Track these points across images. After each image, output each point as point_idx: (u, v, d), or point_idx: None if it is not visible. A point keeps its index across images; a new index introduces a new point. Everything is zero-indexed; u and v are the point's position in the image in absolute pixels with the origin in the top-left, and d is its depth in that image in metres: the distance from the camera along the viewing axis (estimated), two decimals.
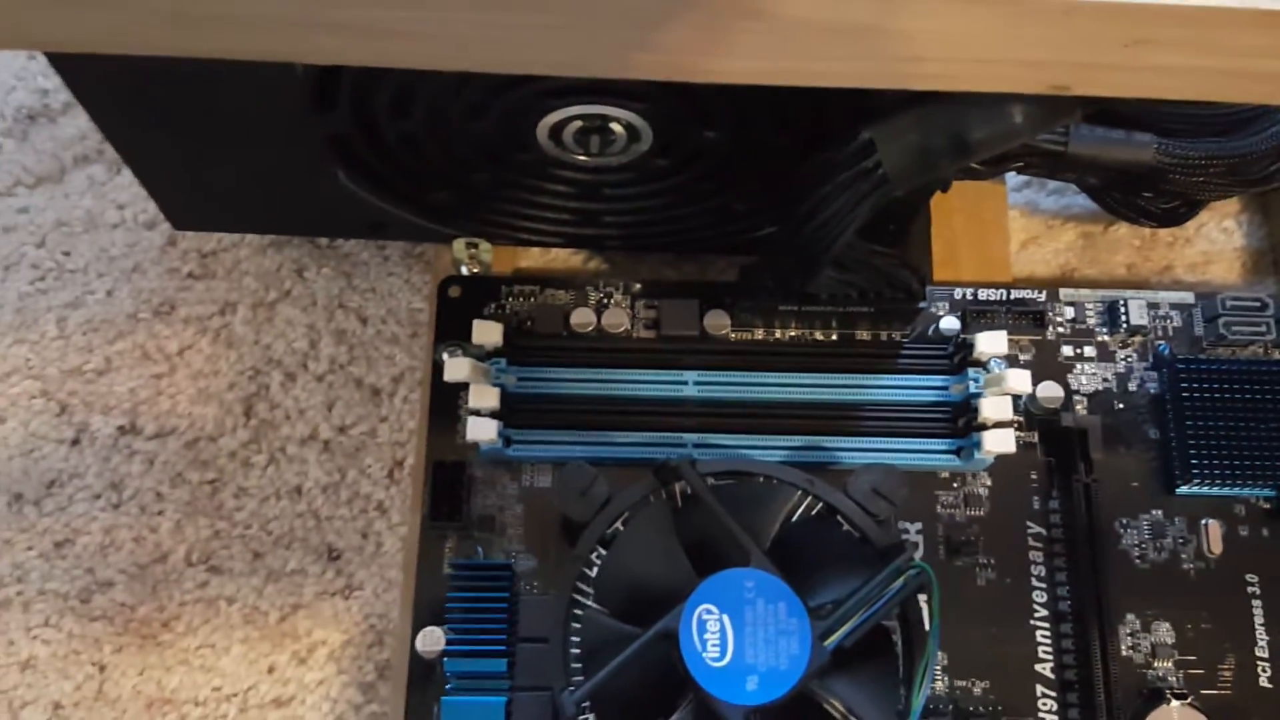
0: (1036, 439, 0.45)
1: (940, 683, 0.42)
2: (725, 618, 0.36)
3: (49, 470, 0.48)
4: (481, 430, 0.41)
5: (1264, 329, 0.46)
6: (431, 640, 0.41)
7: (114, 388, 0.49)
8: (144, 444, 0.48)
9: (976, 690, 0.42)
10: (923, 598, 0.39)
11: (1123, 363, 0.46)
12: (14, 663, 0.45)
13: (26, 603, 0.46)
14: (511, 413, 0.43)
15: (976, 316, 0.46)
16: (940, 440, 0.44)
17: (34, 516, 0.47)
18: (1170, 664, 0.42)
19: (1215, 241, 0.53)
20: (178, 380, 0.49)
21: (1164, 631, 0.43)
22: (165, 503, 0.48)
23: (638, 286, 0.47)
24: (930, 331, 0.45)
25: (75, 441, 0.48)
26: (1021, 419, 0.45)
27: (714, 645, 0.36)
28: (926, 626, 0.39)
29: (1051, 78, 0.30)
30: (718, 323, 0.46)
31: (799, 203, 0.38)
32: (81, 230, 0.52)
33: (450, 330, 0.45)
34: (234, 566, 0.47)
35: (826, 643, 0.36)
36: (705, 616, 0.36)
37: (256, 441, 0.49)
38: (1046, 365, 0.46)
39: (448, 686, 0.40)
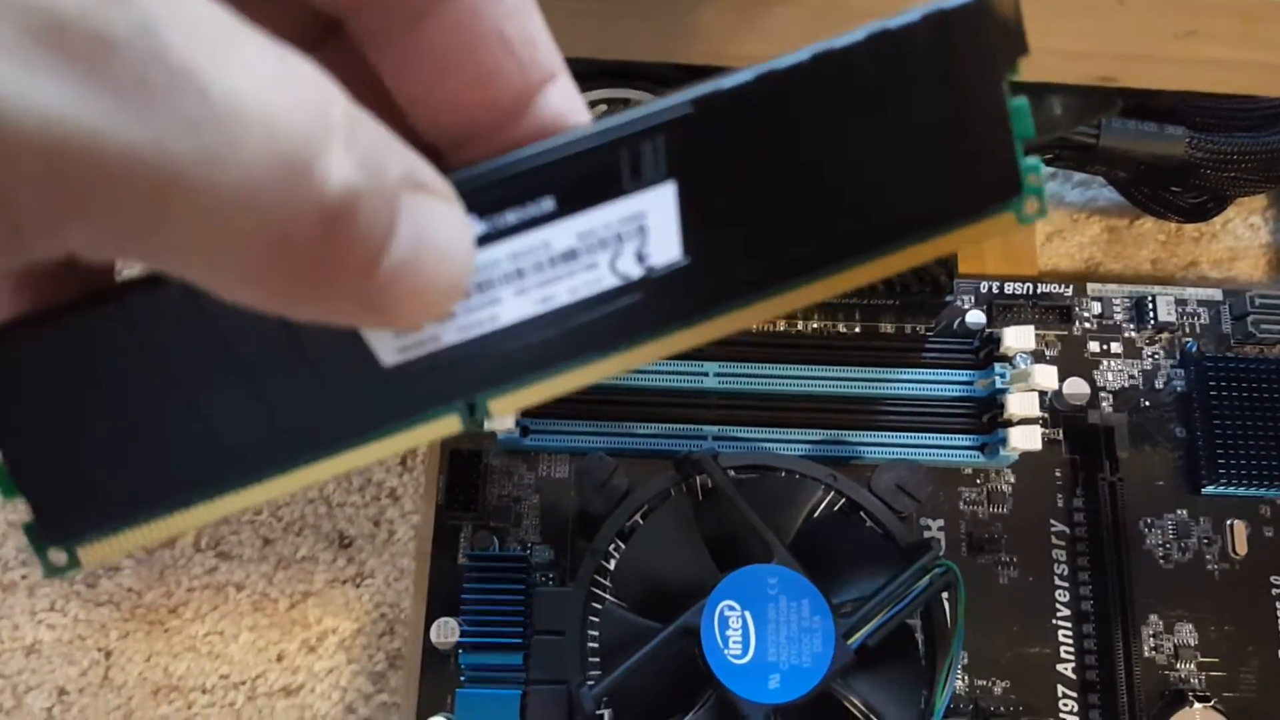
0: (1061, 436, 0.44)
1: (961, 682, 0.41)
2: (748, 614, 0.36)
3: None
4: (499, 419, 0.41)
5: None
6: (446, 631, 0.40)
7: None
8: None
9: (997, 690, 0.41)
10: (942, 595, 0.38)
11: (1150, 360, 0.46)
12: (19, 647, 0.45)
13: (32, 587, 0.45)
14: None
15: (1002, 310, 0.45)
16: (964, 436, 0.43)
17: None
18: (1193, 666, 0.42)
19: (1241, 238, 0.52)
20: None
21: (1187, 633, 0.42)
22: None
23: None
24: (955, 325, 0.45)
25: None
26: (1046, 415, 0.44)
27: (736, 642, 0.35)
28: (948, 625, 0.38)
29: (1100, 69, 0.29)
30: None
31: None
32: None
33: None
34: (243, 553, 0.46)
35: (850, 641, 0.36)
36: (728, 613, 0.35)
37: None
38: (1072, 361, 0.45)
39: (462, 679, 0.39)
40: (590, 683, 0.36)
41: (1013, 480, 0.44)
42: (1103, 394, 0.45)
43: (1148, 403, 0.45)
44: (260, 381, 0.16)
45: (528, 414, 0.42)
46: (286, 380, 0.16)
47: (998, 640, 0.42)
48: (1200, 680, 0.42)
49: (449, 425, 0.17)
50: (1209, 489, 0.43)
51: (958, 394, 0.43)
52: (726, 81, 0.15)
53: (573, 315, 0.16)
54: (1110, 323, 0.46)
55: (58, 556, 0.17)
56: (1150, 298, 0.46)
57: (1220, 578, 0.43)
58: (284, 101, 0.12)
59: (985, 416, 0.43)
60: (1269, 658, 0.42)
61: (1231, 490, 0.43)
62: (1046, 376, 0.41)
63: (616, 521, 0.39)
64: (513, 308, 0.16)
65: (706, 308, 0.17)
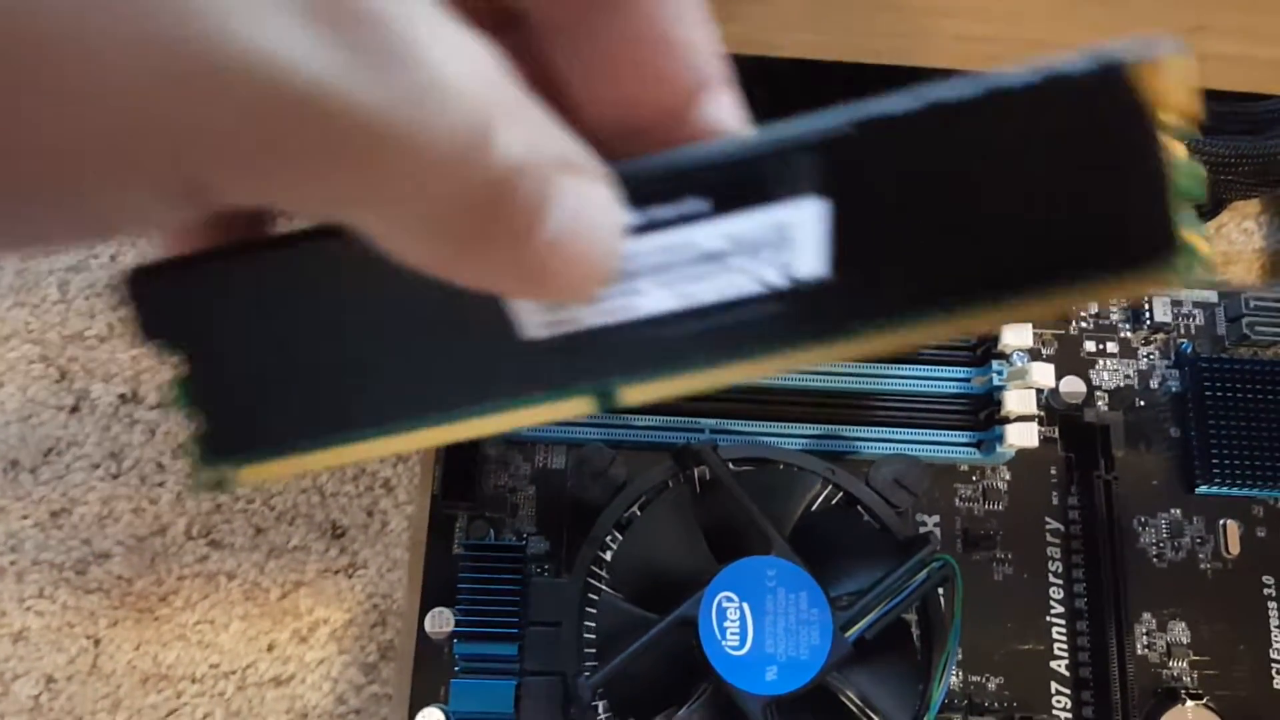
0: (1057, 434, 0.44)
1: (955, 677, 0.41)
2: (745, 606, 0.35)
3: (47, 438, 0.47)
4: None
5: None
6: (441, 621, 0.40)
7: (116, 355, 0.48)
8: (145, 413, 0.47)
9: (991, 686, 0.41)
10: (938, 590, 0.39)
11: (1145, 360, 0.46)
12: (6, 634, 0.44)
13: (20, 573, 0.45)
14: None
15: None
16: (961, 433, 0.43)
17: (30, 485, 0.46)
18: (1185, 664, 0.42)
19: (1235, 242, 0.52)
20: None
21: (1180, 631, 0.42)
22: (166, 474, 0.46)
23: None
24: None
25: (75, 409, 0.47)
26: (1043, 413, 0.44)
27: (733, 634, 0.35)
28: (944, 619, 0.38)
29: None
30: None
31: None
32: None
33: None
34: (235, 541, 0.46)
35: (848, 634, 0.36)
36: (725, 604, 0.35)
37: None
38: (1069, 360, 0.45)
39: (456, 669, 0.39)
40: (586, 674, 0.36)
41: (1008, 477, 0.44)
42: (1098, 393, 0.45)
43: (1143, 402, 0.45)
44: (414, 338, 0.17)
45: None
46: (438, 341, 0.17)
47: (992, 636, 0.42)
48: (1193, 678, 0.42)
49: (580, 406, 0.18)
50: (1203, 489, 0.44)
51: (954, 390, 0.44)
52: (891, 106, 0.15)
53: (712, 315, 0.16)
54: (1106, 323, 0.46)
55: (217, 474, 0.18)
56: (1146, 298, 0.46)
57: (1213, 577, 0.43)
58: (473, 77, 0.13)
59: (982, 413, 0.43)
60: (1261, 656, 0.42)
61: (1225, 490, 0.44)
62: (1043, 374, 0.41)
63: (614, 512, 0.39)
64: (654, 300, 0.16)
65: (844, 326, 0.16)
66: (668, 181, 0.16)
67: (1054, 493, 0.44)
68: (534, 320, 0.17)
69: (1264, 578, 0.43)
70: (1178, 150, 0.15)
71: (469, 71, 0.13)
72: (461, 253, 0.14)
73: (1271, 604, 0.43)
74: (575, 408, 0.18)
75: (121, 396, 0.47)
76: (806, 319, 0.16)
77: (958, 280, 0.16)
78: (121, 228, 0.14)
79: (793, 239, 0.16)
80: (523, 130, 0.14)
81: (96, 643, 0.44)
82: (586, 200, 0.15)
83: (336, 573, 0.46)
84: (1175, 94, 0.15)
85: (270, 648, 0.45)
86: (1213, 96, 0.43)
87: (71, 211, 0.13)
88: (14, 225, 0.13)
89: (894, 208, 0.16)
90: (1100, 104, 0.15)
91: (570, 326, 0.17)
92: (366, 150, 0.12)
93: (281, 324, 0.17)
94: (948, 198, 0.16)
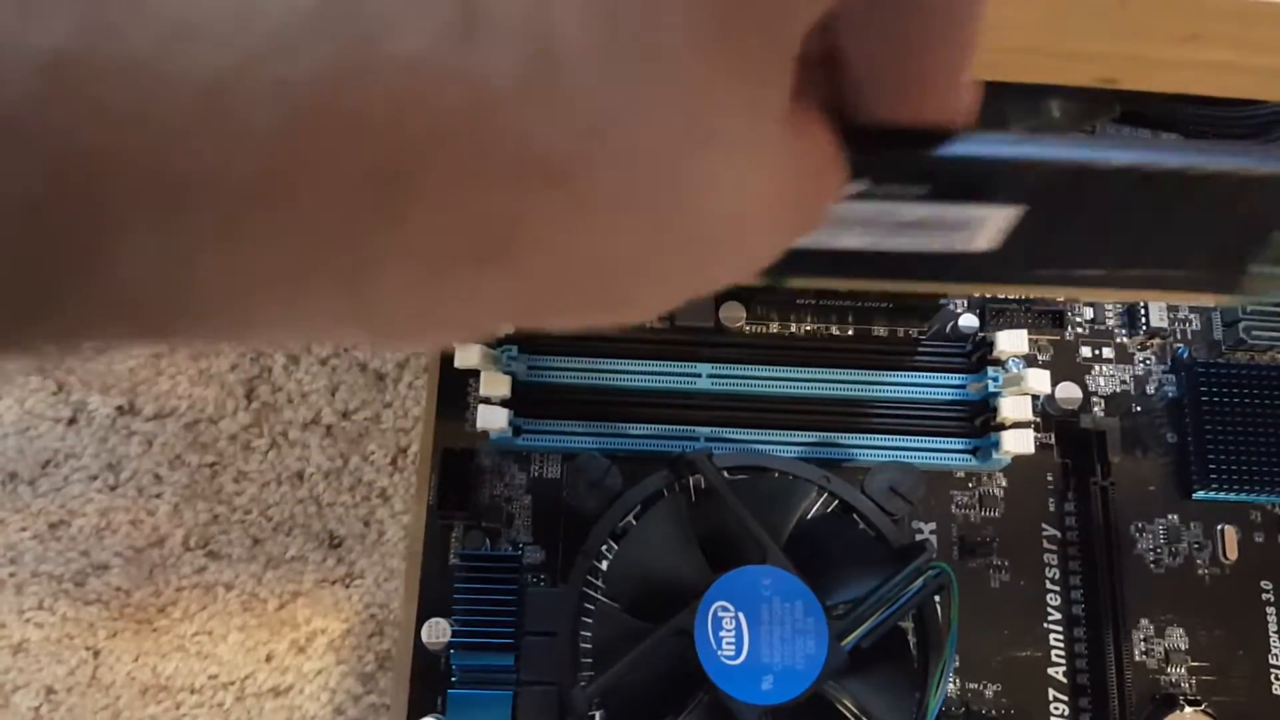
0: (1053, 440, 0.44)
1: (952, 685, 0.41)
2: (741, 615, 0.35)
3: (45, 450, 0.47)
4: (492, 418, 0.40)
5: None
6: (437, 632, 0.40)
7: (113, 366, 0.48)
8: (143, 425, 0.47)
9: (988, 693, 0.41)
10: (935, 598, 0.38)
11: (1141, 365, 0.46)
12: (6, 646, 0.44)
13: (19, 585, 0.45)
14: (521, 401, 0.42)
15: (995, 314, 0.45)
16: (957, 439, 0.43)
17: (28, 497, 0.46)
18: (1184, 670, 0.42)
19: None
20: (178, 360, 0.48)
21: (1178, 637, 0.42)
22: (163, 485, 0.47)
23: None
24: (948, 329, 0.45)
25: (72, 421, 0.47)
26: (1039, 420, 0.44)
27: (729, 643, 0.35)
28: (941, 627, 0.38)
29: (1100, 71, 0.29)
30: (733, 315, 0.45)
31: None
32: None
33: None
34: (233, 552, 0.46)
35: (844, 643, 0.36)
36: (721, 613, 0.35)
37: (258, 425, 0.48)
38: (1065, 366, 0.45)
39: (453, 679, 0.39)
40: (582, 684, 0.36)
41: (1005, 484, 0.44)
42: (1094, 399, 0.45)
43: (1139, 408, 0.45)
44: None
45: (520, 414, 0.42)
46: None
47: (989, 644, 0.42)
48: (1191, 684, 0.42)
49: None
50: (1200, 494, 0.44)
51: (950, 397, 0.44)
52: (1113, 157, 0.17)
53: (886, 254, 0.19)
54: (1102, 328, 0.46)
55: None
56: (1142, 303, 0.46)
57: (1211, 582, 0.43)
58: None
59: (978, 420, 0.43)
60: (1259, 662, 0.42)
61: (1222, 495, 0.43)
62: (1039, 380, 0.41)
63: (610, 521, 0.39)
64: (851, 239, 0.19)
65: (982, 276, 0.20)
66: (904, 168, 0.18)
67: (1050, 499, 0.44)
68: None
69: (1262, 583, 0.43)
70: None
71: None
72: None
73: (1270, 609, 0.43)
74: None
75: (119, 408, 0.47)
76: (962, 266, 0.19)
77: (1090, 273, 0.19)
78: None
79: (983, 229, 0.18)
80: None
81: (96, 654, 0.45)
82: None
83: (334, 583, 0.46)
84: None
85: (268, 658, 0.45)
86: (1208, 102, 0.43)
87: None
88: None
89: (1070, 221, 0.18)
90: (1260, 194, 0.18)
91: None
92: None
93: None
94: (1112, 222, 0.18)
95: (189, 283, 0.11)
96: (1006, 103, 0.34)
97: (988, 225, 0.18)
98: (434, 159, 0.11)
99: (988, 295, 0.46)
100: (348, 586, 0.46)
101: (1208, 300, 0.21)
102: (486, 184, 0.12)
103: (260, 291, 0.12)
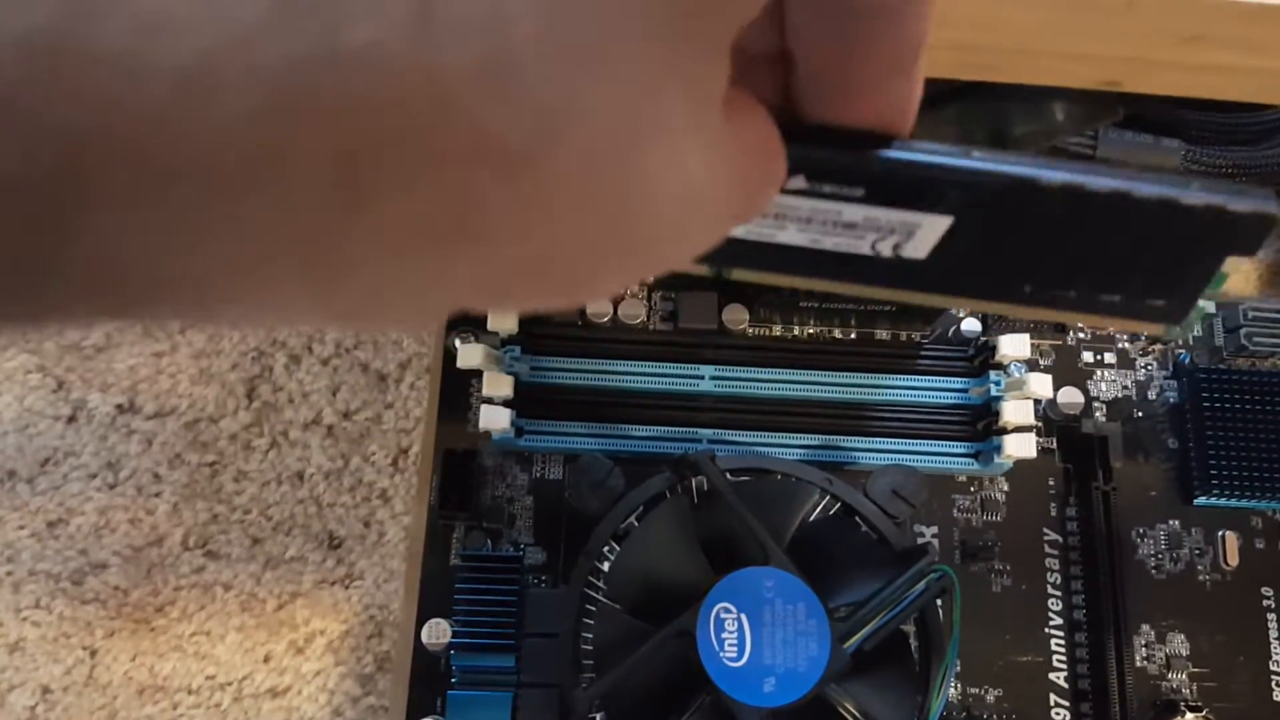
0: (1055, 445, 0.44)
1: (953, 689, 0.41)
2: (743, 617, 0.35)
3: (44, 448, 0.47)
4: (494, 419, 0.40)
5: None
6: (438, 632, 0.40)
7: (113, 364, 0.48)
8: (142, 423, 0.47)
9: (989, 698, 0.41)
10: (936, 602, 0.38)
11: (1143, 371, 0.46)
12: (2, 645, 0.44)
13: (17, 583, 0.45)
14: (523, 402, 0.42)
15: (997, 319, 0.45)
16: (959, 443, 0.43)
17: (27, 495, 0.46)
18: (1185, 676, 0.42)
19: None
20: (179, 359, 0.48)
21: (1179, 643, 0.42)
22: (163, 484, 0.46)
23: (655, 278, 0.46)
24: (950, 333, 0.45)
25: (72, 419, 0.47)
26: (1040, 424, 0.44)
27: (731, 645, 0.35)
28: (943, 630, 0.38)
29: (1104, 73, 0.29)
30: (736, 317, 0.45)
31: None
32: None
33: (463, 316, 0.44)
34: (232, 552, 0.46)
35: (846, 645, 0.35)
36: (723, 615, 0.35)
37: (258, 424, 0.47)
38: (1067, 371, 0.45)
39: (453, 680, 0.39)
40: (583, 685, 0.36)
41: (1006, 488, 0.44)
42: (1096, 404, 0.45)
43: (1141, 413, 0.45)
44: None
45: (522, 414, 0.42)
46: None
47: (990, 648, 0.42)
48: (1192, 690, 0.42)
49: (699, 269, 0.20)
50: (1201, 500, 0.44)
51: (952, 401, 0.43)
52: (1046, 175, 0.18)
53: (823, 253, 0.20)
54: (1104, 333, 0.46)
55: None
56: None
57: (1212, 588, 0.43)
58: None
59: (980, 424, 0.43)
60: (1260, 668, 0.42)
61: (1223, 501, 0.43)
62: (1041, 384, 0.41)
63: (612, 522, 0.39)
64: (790, 236, 0.19)
65: (915, 284, 0.20)
66: (840, 169, 0.18)
67: (1052, 504, 0.44)
68: None
69: (1263, 589, 0.43)
70: (1230, 265, 0.19)
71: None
72: None
73: (1270, 616, 0.43)
74: (694, 269, 0.20)
75: (119, 406, 0.47)
76: (890, 272, 0.20)
77: (1021, 291, 0.20)
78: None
79: (913, 234, 0.19)
80: None
81: (93, 653, 0.44)
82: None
83: (333, 584, 0.46)
84: (1247, 237, 0.18)
85: (267, 659, 0.45)
86: (1211, 107, 0.43)
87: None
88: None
89: (1000, 234, 0.19)
90: (1191, 223, 0.18)
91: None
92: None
93: None
94: (1049, 241, 0.19)
95: (160, 263, 0.12)
96: (1010, 106, 0.34)
97: (923, 234, 0.19)
98: (395, 144, 0.12)
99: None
100: (347, 587, 0.46)
101: (1150, 330, 0.21)
102: (445, 169, 0.12)
103: (229, 272, 0.12)
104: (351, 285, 0.13)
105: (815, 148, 0.18)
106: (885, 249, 0.19)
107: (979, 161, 0.18)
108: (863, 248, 0.19)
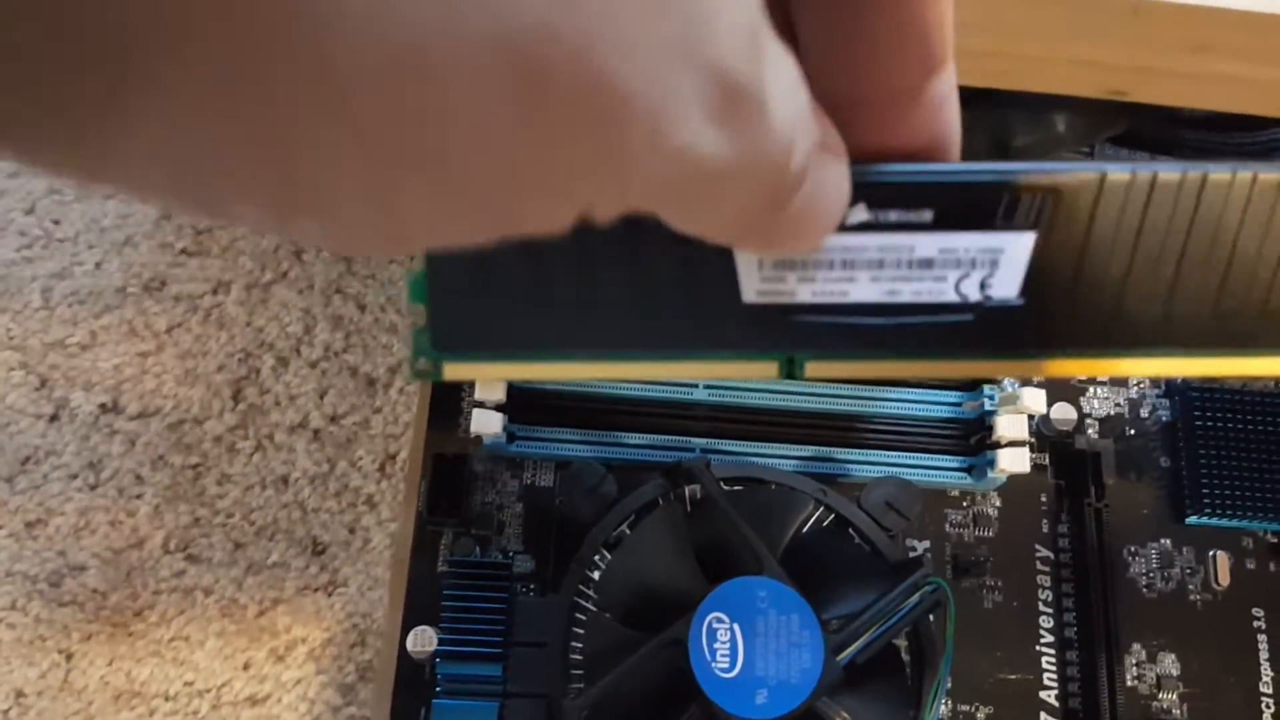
0: (1048, 461, 0.44)
1: (944, 707, 0.41)
2: (736, 627, 0.35)
3: (24, 446, 0.46)
4: (486, 423, 0.40)
5: None
6: (423, 640, 0.39)
7: (97, 363, 0.47)
8: (126, 424, 0.46)
9: (980, 715, 0.41)
10: (929, 615, 0.38)
11: (1135, 388, 0.46)
12: None
13: None
14: (515, 408, 0.42)
15: None
16: (952, 457, 0.43)
17: (5, 494, 0.45)
18: (1175, 696, 0.42)
19: None
20: (164, 359, 0.47)
21: (1169, 663, 0.42)
22: (145, 486, 0.46)
23: None
24: None
25: (54, 417, 0.46)
26: (1034, 440, 0.44)
27: (724, 655, 0.35)
28: (935, 644, 0.38)
29: (1109, 81, 0.29)
30: None
31: None
32: (73, 199, 0.50)
33: None
34: (213, 556, 0.45)
35: (839, 658, 0.35)
36: (716, 625, 0.35)
37: (243, 427, 0.47)
38: (1059, 387, 0.45)
39: (438, 689, 0.38)
40: (572, 695, 0.35)
41: (999, 504, 0.44)
42: (1089, 420, 0.45)
43: (1133, 431, 0.45)
44: (646, 283, 0.19)
45: (513, 420, 0.41)
46: (665, 288, 0.19)
47: (981, 665, 0.41)
48: (1182, 710, 0.41)
49: (768, 370, 0.19)
50: (1193, 519, 0.43)
51: (946, 415, 0.43)
52: (1131, 168, 0.17)
53: (908, 313, 0.18)
54: None
55: (430, 366, 0.20)
56: None
57: (1203, 608, 0.43)
58: (788, 101, 0.15)
59: (973, 438, 0.43)
60: (1250, 689, 0.42)
61: (1215, 521, 0.43)
62: (1035, 400, 0.41)
63: (604, 529, 0.38)
64: (863, 290, 0.18)
65: (1021, 348, 0.18)
66: (905, 191, 0.17)
67: (1044, 520, 0.43)
68: (752, 285, 0.19)
69: (1254, 610, 0.43)
70: None
71: (786, 92, 0.15)
72: (740, 231, 0.16)
73: (1261, 636, 0.43)
74: (762, 371, 0.19)
75: (102, 406, 0.47)
76: (992, 334, 0.18)
77: (1136, 332, 0.18)
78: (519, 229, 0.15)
79: (997, 262, 0.17)
80: (806, 128, 0.15)
81: (69, 657, 0.43)
82: (831, 173, 0.17)
83: (316, 590, 0.45)
84: None
85: (246, 666, 0.44)
86: (1212, 125, 0.43)
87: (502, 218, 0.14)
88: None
89: (1096, 255, 0.17)
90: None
91: (783, 298, 0.18)
92: (718, 187, 0.15)
93: (546, 249, 0.18)
94: (1152, 258, 0.17)
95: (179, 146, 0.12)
96: (1012, 116, 0.34)
97: (1008, 261, 0.17)
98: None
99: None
100: (330, 594, 0.45)
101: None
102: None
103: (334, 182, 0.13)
104: (336, 195, 0.13)
105: (870, 166, 0.17)
106: (972, 289, 0.18)
107: (1056, 164, 0.17)
108: (947, 292, 0.18)
